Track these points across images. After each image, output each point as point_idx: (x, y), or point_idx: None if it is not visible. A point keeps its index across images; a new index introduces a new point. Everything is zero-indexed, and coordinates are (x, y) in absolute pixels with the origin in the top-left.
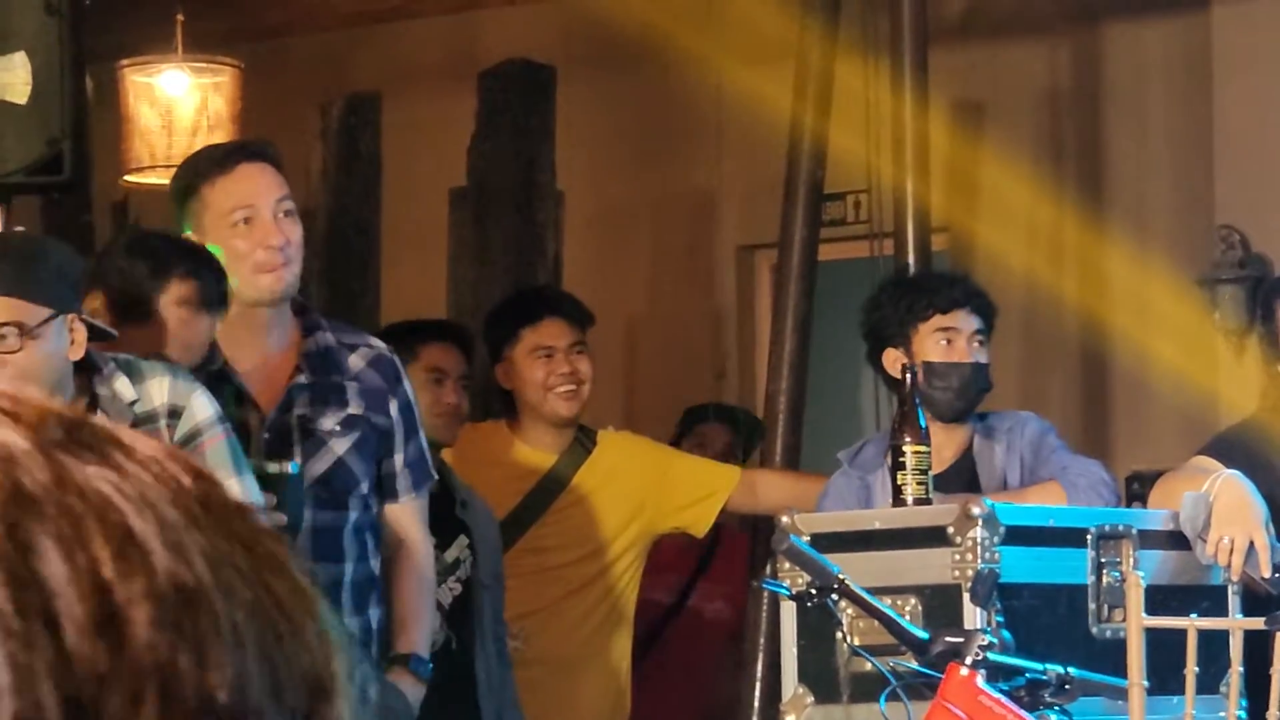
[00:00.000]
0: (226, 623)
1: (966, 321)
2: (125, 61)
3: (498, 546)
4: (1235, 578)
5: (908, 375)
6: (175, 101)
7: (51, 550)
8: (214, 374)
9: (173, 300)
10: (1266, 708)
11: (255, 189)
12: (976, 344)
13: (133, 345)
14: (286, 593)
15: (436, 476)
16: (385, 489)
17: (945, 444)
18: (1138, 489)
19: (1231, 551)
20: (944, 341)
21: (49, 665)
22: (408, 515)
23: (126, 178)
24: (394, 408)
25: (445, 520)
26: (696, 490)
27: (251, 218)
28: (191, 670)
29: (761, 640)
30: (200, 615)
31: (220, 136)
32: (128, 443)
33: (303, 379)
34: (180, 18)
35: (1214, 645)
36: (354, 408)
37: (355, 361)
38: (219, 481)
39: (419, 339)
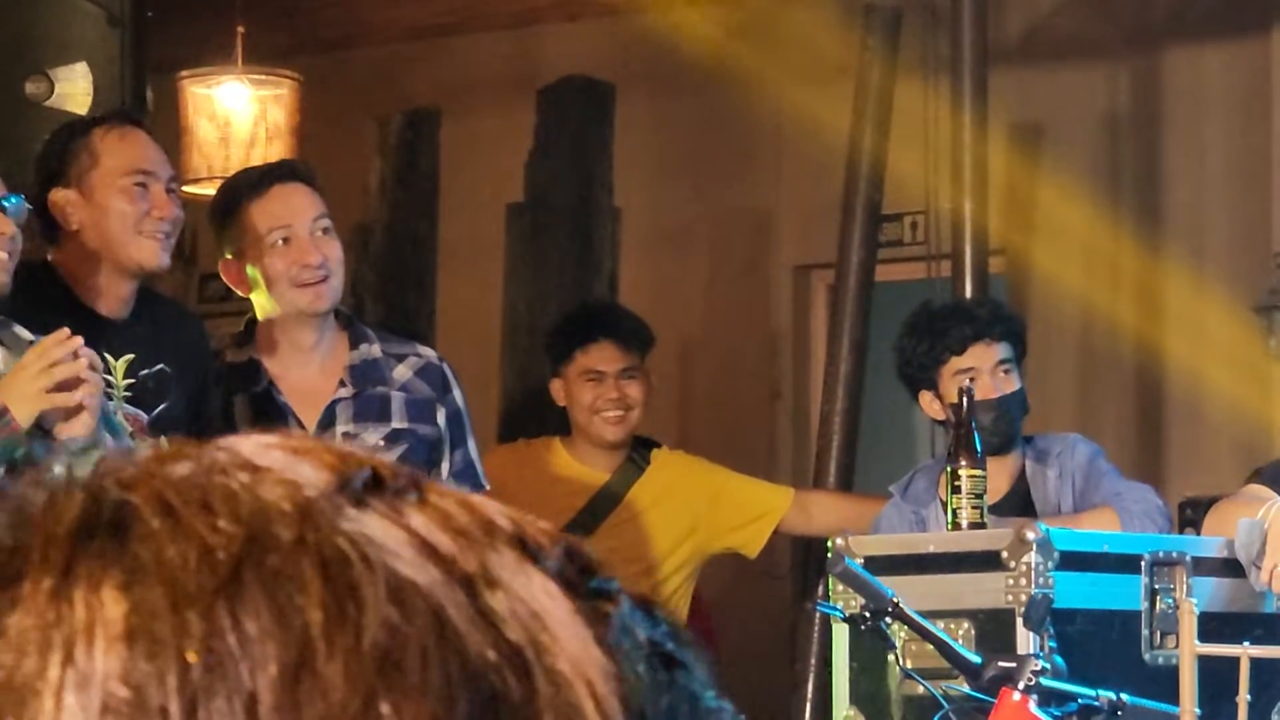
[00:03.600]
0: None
1: (986, 355)
2: (185, 73)
3: None
4: None
5: (963, 400)
6: (233, 114)
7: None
8: (258, 395)
9: None
10: None
11: (290, 209)
12: (1002, 374)
13: None
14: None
15: (487, 486)
16: None
17: (997, 473)
18: (1190, 515)
19: None
20: (966, 381)
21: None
22: None
23: (184, 189)
24: (441, 417)
25: None
26: (749, 511)
27: (289, 238)
28: None
29: (812, 662)
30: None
31: (278, 149)
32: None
33: (344, 393)
34: (241, 30)
35: (1266, 673)
36: (397, 421)
37: (402, 372)
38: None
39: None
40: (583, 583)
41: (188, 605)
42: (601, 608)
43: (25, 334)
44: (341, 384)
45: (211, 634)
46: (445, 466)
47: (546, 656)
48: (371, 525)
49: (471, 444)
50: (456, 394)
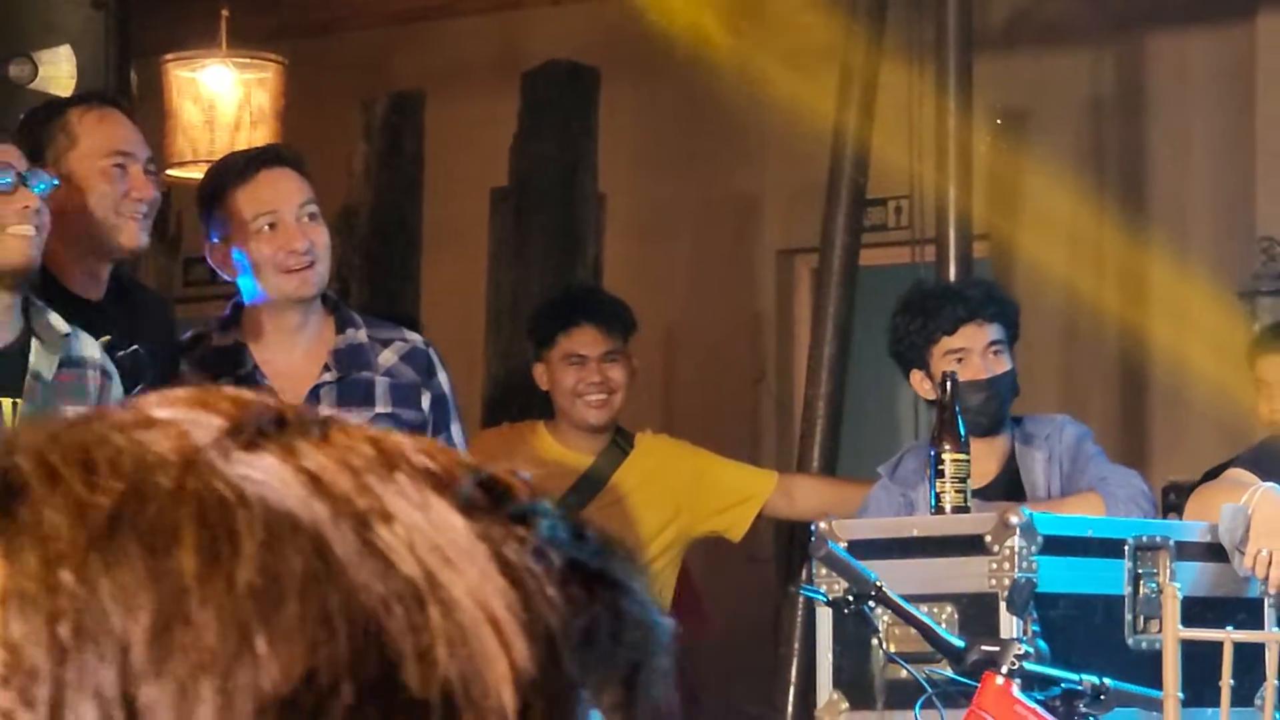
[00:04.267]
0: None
1: (977, 336)
2: (169, 56)
3: None
4: (1273, 590)
5: (947, 384)
6: (218, 97)
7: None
8: (242, 378)
9: None
10: None
11: (277, 195)
12: (992, 355)
13: None
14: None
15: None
16: None
17: (987, 456)
18: (1174, 500)
19: (1270, 564)
20: (956, 362)
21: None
22: None
23: (168, 172)
24: (426, 401)
25: None
26: (733, 495)
27: (275, 223)
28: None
29: (796, 646)
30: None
31: (263, 133)
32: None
33: (329, 377)
34: (225, 13)
35: (1250, 658)
36: (381, 406)
37: (387, 357)
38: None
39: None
40: (498, 508)
41: (60, 564)
42: (518, 532)
43: (61, 325)
44: (326, 368)
45: (82, 589)
46: None
47: (441, 588)
48: (260, 467)
49: (456, 428)
50: (442, 378)
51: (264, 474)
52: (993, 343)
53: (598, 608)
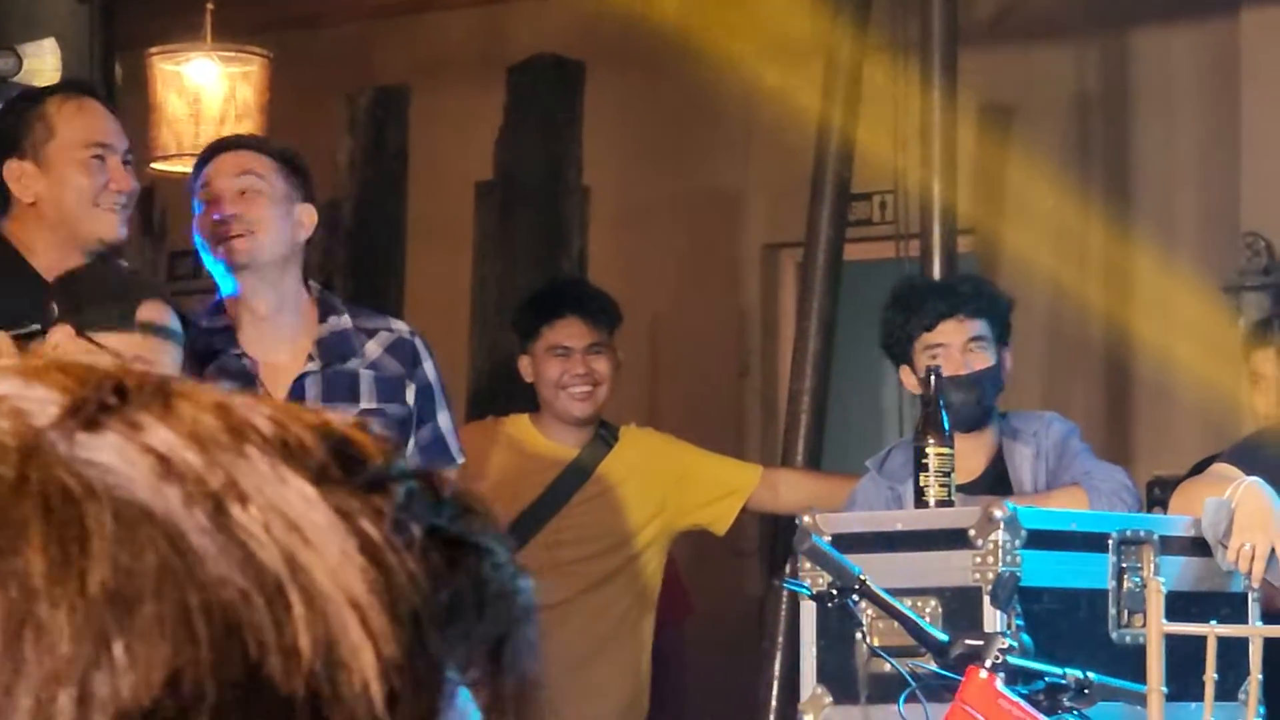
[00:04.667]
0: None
1: (957, 331)
2: (154, 49)
3: None
4: (1256, 584)
5: (930, 379)
6: (203, 90)
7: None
8: (230, 367)
9: None
10: None
11: (216, 171)
12: (972, 350)
13: None
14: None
15: (460, 459)
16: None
17: (974, 451)
18: (1159, 494)
19: (1253, 559)
20: (934, 358)
21: None
22: None
23: (153, 165)
24: (410, 393)
25: None
26: (717, 488)
27: (207, 198)
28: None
29: (780, 639)
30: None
31: (247, 126)
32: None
33: (312, 367)
34: (210, 6)
35: (1233, 652)
36: (366, 401)
37: (373, 348)
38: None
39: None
40: (353, 476)
41: None
42: (374, 502)
43: None
44: (310, 358)
45: None
46: (413, 442)
47: (302, 573)
48: (105, 450)
49: (443, 416)
50: (428, 367)
51: (111, 458)
52: (974, 338)
53: (460, 578)
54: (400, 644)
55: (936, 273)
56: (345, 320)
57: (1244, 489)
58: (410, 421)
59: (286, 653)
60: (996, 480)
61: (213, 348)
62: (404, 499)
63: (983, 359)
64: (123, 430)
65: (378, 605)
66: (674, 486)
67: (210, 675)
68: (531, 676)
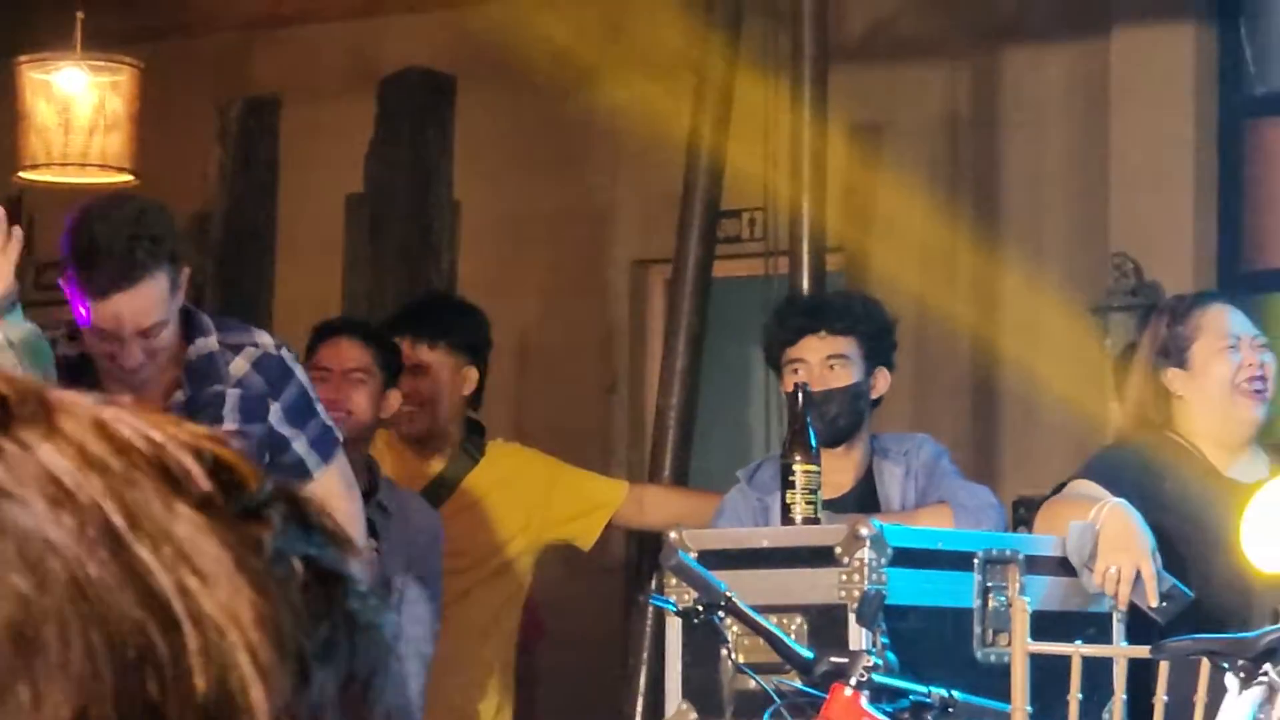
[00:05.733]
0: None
1: (817, 348)
2: (23, 58)
3: (428, 553)
4: (1122, 606)
5: (798, 394)
6: (73, 99)
7: None
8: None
9: None
10: None
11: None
12: (830, 368)
13: None
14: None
15: (342, 438)
16: (299, 474)
17: (843, 468)
18: (1024, 514)
19: (1119, 581)
20: (794, 372)
21: None
22: (328, 483)
23: (21, 174)
24: (275, 411)
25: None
26: (583, 503)
27: None
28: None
29: (645, 656)
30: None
31: (118, 135)
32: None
33: (179, 396)
34: (80, 15)
35: (1098, 672)
36: (230, 423)
37: (239, 365)
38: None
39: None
40: (233, 503)
41: None
42: (254, 532)
43: None
44: (178, 385)
45: None
46: (300, 444)
47: (194, 603)
48: (2, 476)
49: (316, 413)
50: (297, 379)
51: (7, 483)
52: (835, 355)
53: (336, 614)
54: (288, 680)
55: (805, 291)
56: (212, 341)
57: (1108, 511)
58: (272, 437)
59: (181, 688)
60: (865, 497)
61: (67, 381)
62: (280, 527)
63: (840, 377)
64: (14, 452)
65: (266, 642)
66: (541, 500)
67: (114, 712)
68: (395, 711)
